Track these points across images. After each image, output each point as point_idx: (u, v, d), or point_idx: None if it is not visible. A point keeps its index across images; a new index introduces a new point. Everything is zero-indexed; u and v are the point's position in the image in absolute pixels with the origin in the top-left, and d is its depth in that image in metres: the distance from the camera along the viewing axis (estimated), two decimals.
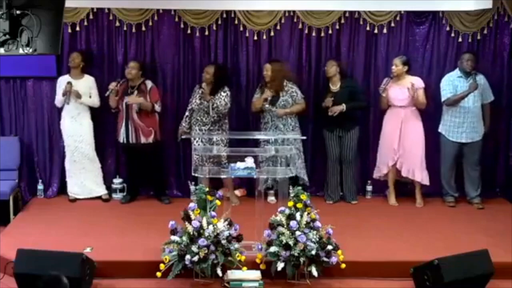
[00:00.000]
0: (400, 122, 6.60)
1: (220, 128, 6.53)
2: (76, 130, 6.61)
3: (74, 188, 6.74)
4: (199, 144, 6.42)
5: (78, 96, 6.50)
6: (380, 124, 6.84)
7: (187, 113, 6.63)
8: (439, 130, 6.70)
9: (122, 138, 6.60)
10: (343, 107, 6.50)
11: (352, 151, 6.76)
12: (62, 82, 6.54)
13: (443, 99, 6.56)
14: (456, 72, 6.59)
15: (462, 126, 6.56)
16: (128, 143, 6.58)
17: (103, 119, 6.85)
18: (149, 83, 6.60)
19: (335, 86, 6.62)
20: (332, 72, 6.59)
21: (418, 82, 6.58)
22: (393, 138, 6.63)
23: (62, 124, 6.66)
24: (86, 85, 6.59)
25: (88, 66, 6.66)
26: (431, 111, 6.80)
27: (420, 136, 6.67)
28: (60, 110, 6.69)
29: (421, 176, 6.68)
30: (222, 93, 6.44)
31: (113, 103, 6.57)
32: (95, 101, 6.66)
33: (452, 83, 6.54)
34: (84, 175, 6.73)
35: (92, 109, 6.69)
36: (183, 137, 6.51)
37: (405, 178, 6.76)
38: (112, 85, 6.49)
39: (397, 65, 6.55)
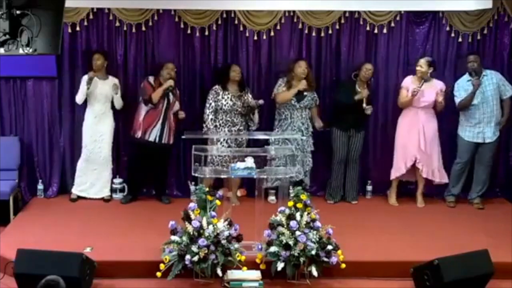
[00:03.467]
0: (421, 123, 6.56)
1: (245, 128, 6.58)
2: (98, 130, 6.60)
3: (82, 186, 6.73)
4: (223, 146, 6.35)
5: (115, 89, 6.51)
6: (380, 126, 6.86)
7: (211, 116, 6.51)
8: (458, 132, 6.67)
9: (153, 137, 6.53)
10: (372, 108, 6.56)
11: (358, 152, 6.77)
12: (86, 79, 6.50)
13: (456, 105, 6.56)
14: (466, 76, 6.56)
15: (479, 127, 6.54)
16: (160, 142, 6.55)
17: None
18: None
19: (363, 88, 6.60)
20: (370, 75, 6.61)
21: (442, 86, 6.56)
22: (413, 139, 6.58)
23: (84, 123, 6.64)
24: (110, 86, 6.57)
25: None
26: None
27: (437, 136, 6.66)
28: (62, 110, 6.69)
29: (440, 176, 6.68)
30: (249, 93, 6.53)
31: (157, 99, 6.42)
32: (121, 101, 6.65)
33: (463, 87, 6.52)
34: (95, 176, 6.72)
35: (113, 110, 6.69)
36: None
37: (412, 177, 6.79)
38: (171, 82, 6.43)
39: (422, 67, 6.47)
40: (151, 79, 6.50)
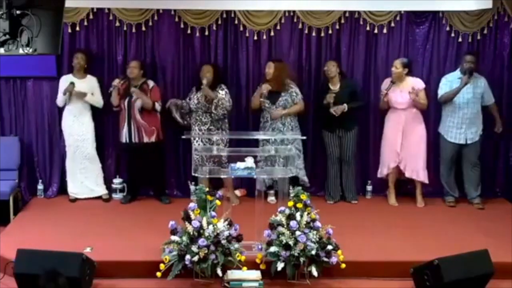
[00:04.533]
0: (401, 125, 6.58)
1: (220, 128, 6.54)
2: (78, 129, 6.61)
3: (74, 188, 6.74)
4: (199, 144, 6.43)
5: (81, 96, 6.51)
6: (380, 124, 6.85)
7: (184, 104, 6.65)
8: (439, 130, 6.72)
9: (124, 137, 6.59)
10: (344, 106, 6.50)
11: (351, 151, 6.76)
12: (64, 81, 6.54)
13: (438, 97, 6.59)
14: (457, 72, 6.58)
15: (461, 128, 6.56)
16: (131, 142, 6.57)
17: (103, 120, 6.87)
18: (151, 83, 6.61)
19: (335, 86, 6.62)
20: (333, 73, 6.58)
21: (419, 84, 6.57)
22: (395, 140, 6.62)
23: (63, 123, 6.66)
24: (89, 85, 6.60)
25: (90, 66, 6.66)
26: (432, 112, 6.82)
27: (422, 137, 6.67)
28: (61, 109, 6.69)
29: (424, 176, 6.70)
30: (221, 91, 6.47)
31: (115, 101, 6.57)
32: (99, 100, 6.66)
33: (450, 83, 6.53)
34: (84, 175, 6.73)
35: (93, 109, 6.70)
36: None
37: (407, 177, 6.79)
38: (116, 82, 6.49)
39: (397, 68, 6.51)
40: (111, 88, 6.54)
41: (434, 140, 6.81)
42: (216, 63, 6.77)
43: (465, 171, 6.76)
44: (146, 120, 6.56)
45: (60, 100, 6.59)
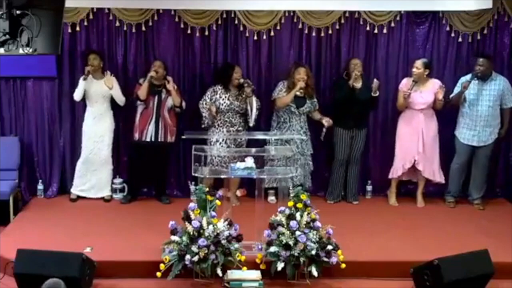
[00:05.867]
0: (420, 126, 6.56)
1: (244, 128, 6.56)
2: (97, 131, 6.60)
3: (81, 186, 6.73)
4: (222, 146, 6.37)
5: (109, 83, 6.50)
6: (381, 125, 6.86)
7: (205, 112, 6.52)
8: (455, 132, 6.68)
9: (150, 136, 6.53)
10: (378, 82, 6.47)
11: (360, 151, 6.76)
12: (82, 80, 6.51)
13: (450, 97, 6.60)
14: (468, 76, 6.53)
15: (475, 129, 6.54)
16: (156, 141, 6.54)
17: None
18: (172, 83, 6.59)
19: (358, 84, 6.58)
20: (361, 71, 6.55)
21: (439, 84, 6.55)
22: (414, 141, 6.58)
23: (84, 124, 6.64)
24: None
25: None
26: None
27: (437, 137, 6.67)
28: (61, 110, 6.69)
29: (440, 176, 6.69)
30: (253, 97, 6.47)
31: (143, 94, 6.43)
32: (121, 96, 6.63)
33: (462, 85, 6.51)
34: (95, 176, 6.71)
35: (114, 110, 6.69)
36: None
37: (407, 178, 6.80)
38: (153, 73, 6.42)
39: (419, 68, 6.46)
40: (141, 80, 6.53)
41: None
42: (215, 61, 6.76)
43: (473, 172, 6.74)
44: (172, 120, 6.58)
45: (77, 95, 6.50)
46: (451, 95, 6.59)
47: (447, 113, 6.75)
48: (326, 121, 6.50)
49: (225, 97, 6.48)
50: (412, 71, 6.53)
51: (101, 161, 6.68)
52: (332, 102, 6.77)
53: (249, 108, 6.47)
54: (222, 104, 6.48)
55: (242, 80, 6.45)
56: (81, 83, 6.48)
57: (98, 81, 6.56)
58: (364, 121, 6.76)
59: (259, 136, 6.14)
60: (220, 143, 6.40)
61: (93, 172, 6.70)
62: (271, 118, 6.73)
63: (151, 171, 6.74)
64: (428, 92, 6.52)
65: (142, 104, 6.52)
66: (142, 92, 6.45)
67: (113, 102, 6.66)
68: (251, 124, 6.53)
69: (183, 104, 6.58)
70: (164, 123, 6.55)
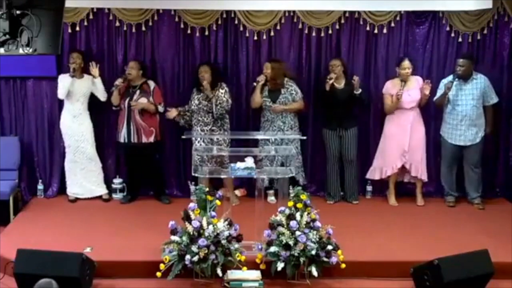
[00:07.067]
0: (409, 124, 6.59)
1: (222, 128, 6.54)
2: (77, 129, 6.60)
3: (74, 188, 6.74)
4: (200, 145, 6.42)
5: (96, 72, 6.52)
6: (380, 125, 6.84)
7: (187, 108, 6.64)
8: (440, 132, 6.72)
9: (123, 137, 6.59)
10: (357, 78, 6.47)
11: (352, 151, 6.75)
12: (62, 78, 6.52)
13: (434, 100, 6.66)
14: (450, 76, 6.57)
15: (460, 129, 6.56)
16: (130, 142, 6.57)
17: (103, 119, 6.87)
18: (151, 84, 6.61)
19: (339, 84, 6.61)
20: (339, 71, 6.57)
21: (420, 80, 6.62)
22: (402, 140, 6.61)
23: (62, 124, 6.66)
24: (87, 84, 6.59)
25: (86, 66, 6.65)
26: (430, 112, 6.83)
27: (424, 136, 6.72)
28: (61, 109, 6.68)
29: (425, 175, 6.74)
30: (221, 90, 6.46)
31: (116, 100, 6.57)
32: (104, 91, 6.64)
33: (445, 86, 6.53)
34: (84, 175, 6.72)
35: (91, 109, 6.69)
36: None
37: (410, 178, 6.83)
38: (119, 81, 6.48)
39: (409, 68, 6.55)
40: (118, 81, 6.51)
41: (433, 141, 6.82)
42: (214, 61, 6.76)
43: (466, 172, 6.75)
44: (146, 121, 6.57)
45: (61, 93, 6.52)
46: (435, 98, 6.63)
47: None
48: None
49: (197, 97, 6.53)
50: (400, 72, 6.57)
51: (88, 158, 6.68)
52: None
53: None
54: (193, 105, 6.54)
55: (204, 80, 6.44)
56: (66, 80, 6.48)
57: (80, 80, 6.56)
58: (351, 120, 6.72)
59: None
60: (198, 142, 6.46)
61: (82, 171, 6.70)
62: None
63: (143, 171, 6.75)
64: (414, 89, 6.57)
65: (118, 107, 6.61)
66: (113, 98, 6.56)
67: (90, 102, 6.67)
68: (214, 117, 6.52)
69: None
70: (136, 125, 6.54)
